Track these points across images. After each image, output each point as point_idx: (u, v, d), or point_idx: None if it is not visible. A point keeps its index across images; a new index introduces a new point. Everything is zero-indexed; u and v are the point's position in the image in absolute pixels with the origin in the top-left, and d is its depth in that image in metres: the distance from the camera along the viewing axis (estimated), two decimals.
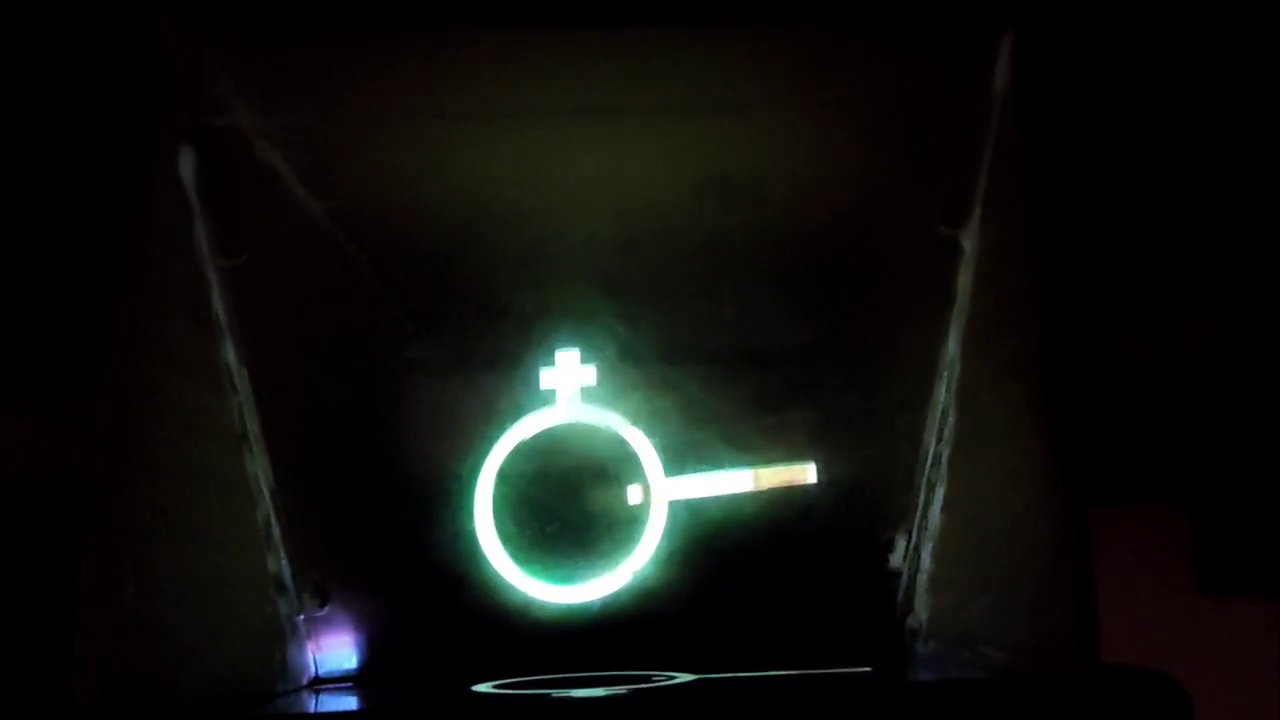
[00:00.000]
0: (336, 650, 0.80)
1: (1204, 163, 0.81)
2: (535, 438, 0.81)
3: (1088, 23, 0.70)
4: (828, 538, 0.81)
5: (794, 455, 0.81)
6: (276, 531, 0.76)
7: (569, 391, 0.81)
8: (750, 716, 0.60)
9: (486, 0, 0.65)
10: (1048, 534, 0.62)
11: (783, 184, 0.78)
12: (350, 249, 0.81)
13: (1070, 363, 0.63)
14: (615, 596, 0.80)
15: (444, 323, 0.84)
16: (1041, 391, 0.63)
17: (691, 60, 0.69)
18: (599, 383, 0.82)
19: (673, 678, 0.73)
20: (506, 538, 0.80)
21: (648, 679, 0.72)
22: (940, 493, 0.77)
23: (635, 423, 0.81)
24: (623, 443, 0.81)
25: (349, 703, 0.75)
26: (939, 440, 0.77)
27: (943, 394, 0.77)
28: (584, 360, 0.82)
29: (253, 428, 0.74)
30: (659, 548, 0.80)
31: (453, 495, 0.81)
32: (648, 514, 0.81)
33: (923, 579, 0.79)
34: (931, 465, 0.78)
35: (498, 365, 0.82)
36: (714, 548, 0.80)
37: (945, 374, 0.76)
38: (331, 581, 0.79)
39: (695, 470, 0.81)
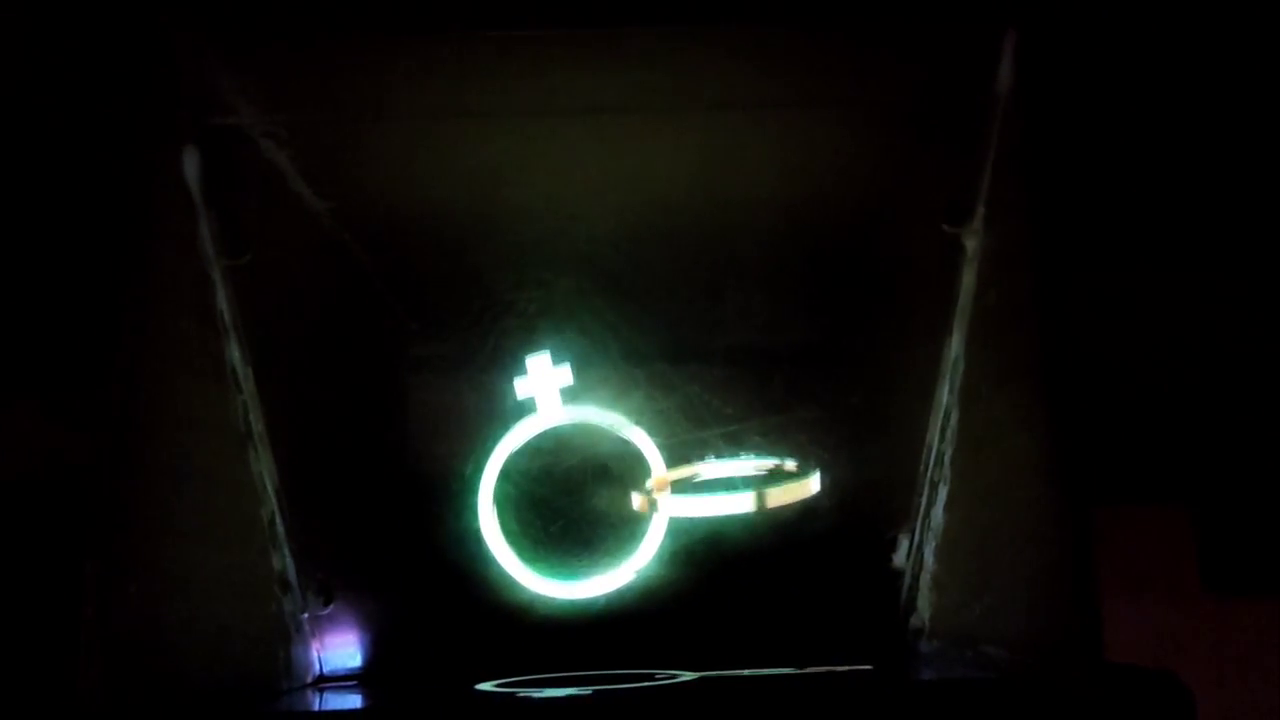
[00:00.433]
0: (341, 648, 0.81)
1: (1209, 161, 0.81)
2: (539, 436, 0.81)
3: (1092, 21, 0.70)
4: (831, 536, 0.81)
5: (796, 455, 0.81)
6: (281, 530, 0.76)
7: (548, 395, 0.80)
8: (752, 715, 0.60)
9: (489, 0, 0.65)
10: (1051, 533, 0.62)
11: (783, 183, 0.78)
12: (355, 248, 0.81)
13: (1074, 362, 0.63)
14: (618, 594, 0.80)
15: (448, 321, 0.84)
16: (1044, 391, 0.63)
17: (693, 59, 0.69)
18: (601, 384, 0.82)
19: (675, 676, 0.73)
20: (510, 536, 0.81)
21: (650, 677, 0.73)
22: (943, 492, 0.77)
23: (637, 422, 0.81)
24: (627, 443, 0.81)
25: (353, 701, 0.75)
26: (942, 439, 0.77)
27: (945, 393, 0.77)
28: (556, 362, 0.80)
29: (257, 426, 0.74)
30: (662, 546, 0.80)
31: (457, 493, 0.81)
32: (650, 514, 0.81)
33: (925, 578, 0.79)
34: (934, 465, 0.78)
35: (501, 364, 0.82)
36: (717, 546, 0.80)
37: (948, 373, 0.76)
38: (336, 580, 0.80)
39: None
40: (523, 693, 0.69)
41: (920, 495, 0.80)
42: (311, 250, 0.79)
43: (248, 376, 0.73)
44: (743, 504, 0.79)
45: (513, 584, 0.80)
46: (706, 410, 0.82)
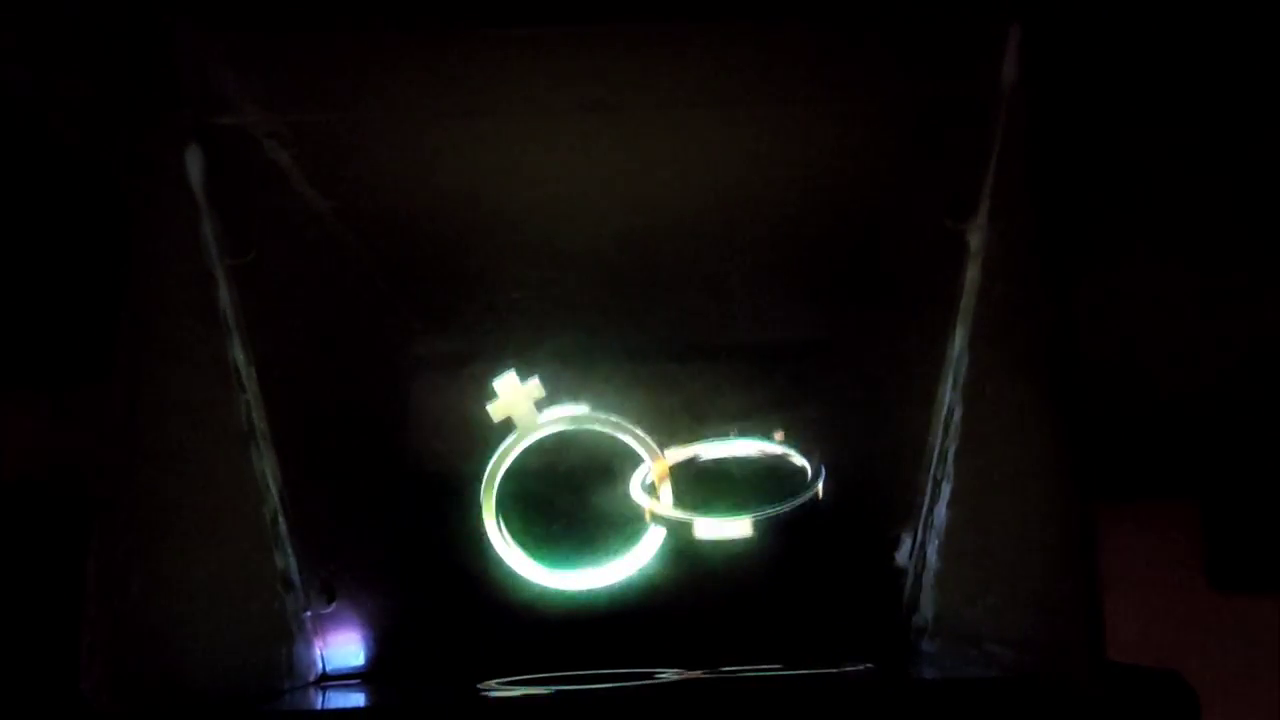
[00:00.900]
0: (343, 647, 0.81)
1: (1213, 156, 0.80)
2: (525, 452, 0.81)
3: (1095, 17, 0.70)
4: (833, 535, 0.81)
5: (799, 452, 0.81)
6: (283, 528, 0.76)
7: (524, 411, 0.79)
8: (755, 713, 0.60)
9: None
10: (1054, 531, 0.62)
11: (787, 179, 0.78)
12: (357, 247, 0.81)
13: (1079, 358, 0.62)
14: (620, 593, 0.80)
15: (450, 320, 0.84)
16: (1048, 388, 0.63)
17: (696, 56, 0.68)
18: (602, 382, 0.82)
19: (677, 674, 0.73)
20: (513, 535, 0.81)
21: (651, 675, 0.72)
22: (946, 490, 0.77)
23: (639, 420, 0.81)
24: (628, 445, 0.81)
25: (355, 700, 0.75)
26: (945, 437, 0.77)
27: (949, 390, 0.76)
28: (523, 378, 0.79)
29: (260, 425, 0.74)
30: (664, 543, 0.80)
31: (460, 492, 0.81)
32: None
33: (929, 576, 0.79)
34: (937, 462, 0.78)
35: (503, 362, 0.82)
36: (719, 544, 0.80)
37: (951, 370, 0.76)
38: (338, 578, 0.80)
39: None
40: (524, 692, 0.69)
41: (923, 493, 0.80)
42: (314, 249, 0.79)
43: (250, 375, 0.73)
44: (740, 529, 0.79)
45: (514, 583, 0.80)
46: (709, 407, 0.82)
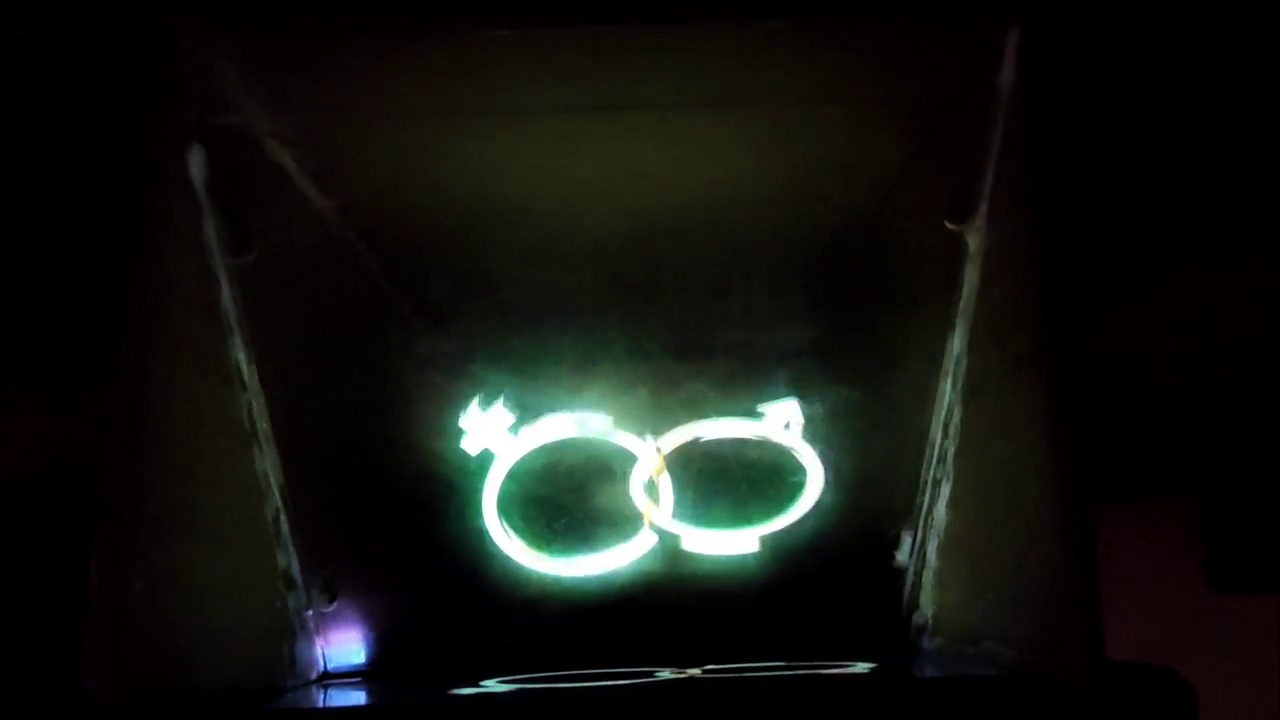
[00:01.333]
0: (345, 645, 0.81)
1: (1214, 156, 0.80)
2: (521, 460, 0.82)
3: (1095, 16, 0.70)
4: (833, 534, 0.81)
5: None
6: (285, 527, 0.77)
7: (498, 439, 0.81)
8: (755, 712, 0.60)
9: None
10: (1053, 530, 0.62)
11: (786, 179, 0.78)
12: (360, 247, 0.82)
13: (1078, 357, 0.62)
14: (620, 591, 0.80)
15: (452, 319, 0.84)
16: (1048, 387, 0.63)
17: (697, 56, 0.68)
18: (604, 380, 0.82)
19: (678, 673, 0.73)
20: (515, 534, 0.81)
21: (651, 674, 0.73)
22: (946, 489, 0.77)
23: (640, 418, 0.81)
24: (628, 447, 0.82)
25: (357, 698, 0.75)
26: (944, 436, 0.77)
27: (948, 390, 0.77)
28: (485, 405, 0.81)
29: (262, 424, 0.74)
30: (665, 542, 0.81)
31: (461, 491, 0.81)
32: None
33: (928, 575, 0.79)
34: (937, 462, 0.78)
35: (504, 362, 0.83)
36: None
37: (950, 370, 0.76)
38: (340, 577, 0.80)
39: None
40: (526, 690, 0.69)
41: (923, 492, 0.80)
42: (316, 249, 0.79)
43: (252, 374, 0.73)
44: (746, 543, 0.79)
45: (517, 581, 0.80)
46: (709, 407, 0.82)
